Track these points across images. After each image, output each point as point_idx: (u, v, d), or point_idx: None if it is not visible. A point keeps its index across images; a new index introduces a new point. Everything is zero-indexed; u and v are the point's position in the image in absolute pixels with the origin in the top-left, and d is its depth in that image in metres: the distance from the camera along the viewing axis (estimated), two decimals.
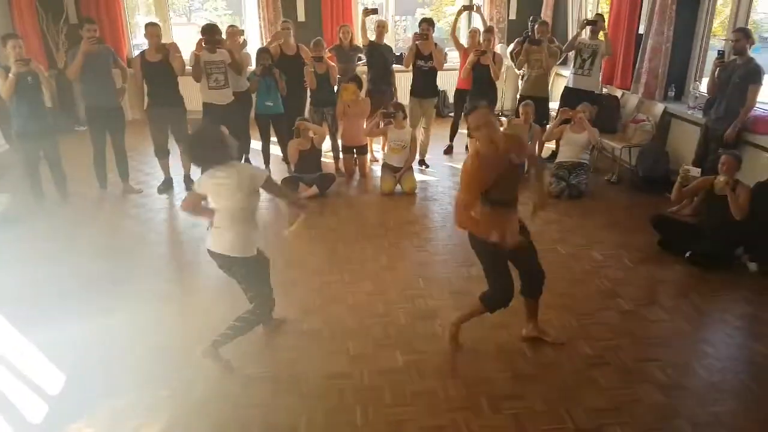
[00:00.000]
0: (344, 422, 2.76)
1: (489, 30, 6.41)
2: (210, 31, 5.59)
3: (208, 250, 3.05)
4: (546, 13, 8.51)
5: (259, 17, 8.47)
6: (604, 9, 8.08)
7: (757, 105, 4.78)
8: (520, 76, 7.29)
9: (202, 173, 3.03)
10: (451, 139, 7.10)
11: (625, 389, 2.98)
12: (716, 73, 4.92)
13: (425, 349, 3.30)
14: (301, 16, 8.55)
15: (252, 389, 2.99)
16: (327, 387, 2.99)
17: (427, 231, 5.02)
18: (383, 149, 7.02)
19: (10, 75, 4.71)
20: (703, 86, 5.92)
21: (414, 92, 6.50)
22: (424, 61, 6.31)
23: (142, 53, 5.40)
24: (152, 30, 5.35)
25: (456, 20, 6.84)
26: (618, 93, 6.66)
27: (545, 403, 2.87)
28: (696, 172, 4.58)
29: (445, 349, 3.30)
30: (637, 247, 4.56)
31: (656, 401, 2.89)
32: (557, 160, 5.91)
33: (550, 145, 6.63)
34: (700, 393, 2.96)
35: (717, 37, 6.16)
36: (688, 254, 4.29)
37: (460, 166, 6.38)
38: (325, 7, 8.53)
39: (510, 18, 8.94)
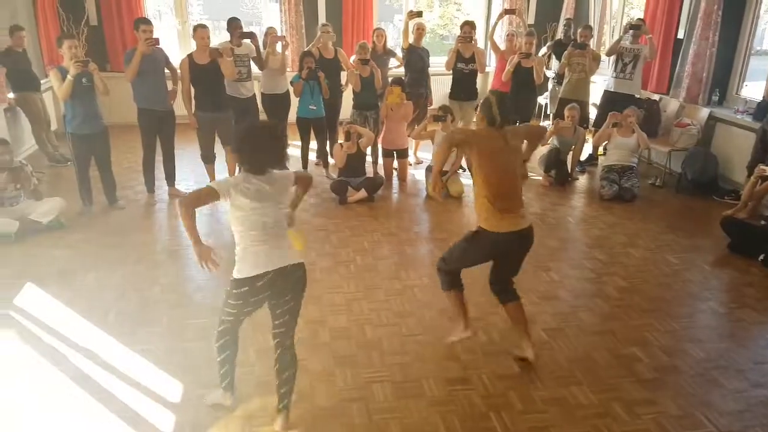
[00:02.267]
0: (483, 429, 2.70)
1: (530, 33, 6.43)
2: (237, 23, 5.71)
3: (275, 270, 2.48)
4: (566, 18, 8.58)
5: (281, 20, 8.38)
6: (633, 13, 8.22)
7: None
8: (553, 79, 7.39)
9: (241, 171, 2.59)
10: None
11: (750, 391, 2.99)
12: None
13: (536, 354, 3.26)
14: (322, 19, 8.47)
15: (375, 393, 2.92)
16: (451, 393, 2.93)
17: None
18: (415, 153, 7.01)
19: (69, 76, 4.55)
20: (749, 91, 6.05)
21: (453, 95, 6.49)
22: (465, 63, 6.30)
23: (190, 56, 5.27)
24: (202, 32, 5.23)
25: (495, 24, 6.87)
26: (654, 97, 6.74)
27: (678, 407, 2.85)
28: None
29: (556, 354, 3.27)
30: (707, 250, 4.62)
31: None
32: (606, 164, 5.94)
33: (587, 148, 6.70)
34: None
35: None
36: (762, 257, 4.35)
37: None
38: (346, 11, 8.48)
39: (528, 23, 9.00)
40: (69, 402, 2.83)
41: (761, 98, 5.55)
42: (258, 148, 2.47)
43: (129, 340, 3.31)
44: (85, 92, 4.72)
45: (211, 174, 5.69)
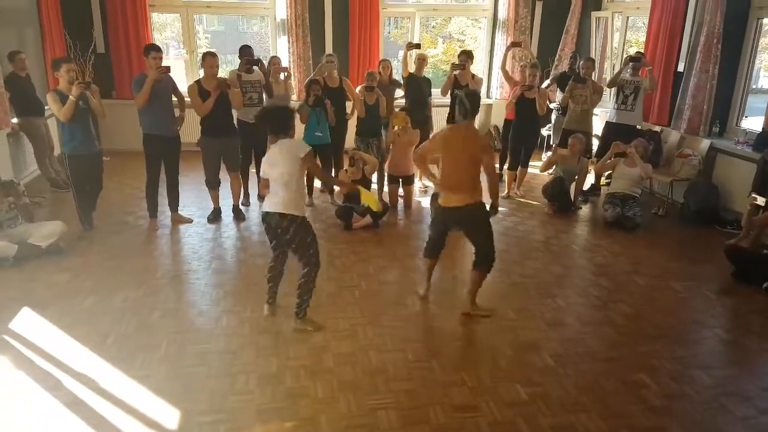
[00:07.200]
0: None
1: (534, 66, 6.54)
2: (248, 51, 5.96)
3: (264, 212, 3.51)
4: (564, 51, 8.74)
5: (289, 51, 8.52)
6: (628, 47, 8.37)
7: None
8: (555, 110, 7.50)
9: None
10: (500, 167, 7.16)
11: (759, 418, 2.93)
12: None
13: (542, 381, 3.21)
14: (328, 50, 8.61)
15: (380, 420, 2.85)
16: (459, 420, 2.87)
17: (498, 262, 4.96)
18: (421, 179, 7.04)
19: (71, 97, 4.61)
20: (748, 123, 6.12)
21: (451, 119, 6.55)
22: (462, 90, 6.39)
23: (198, 82, 5.33)
24: (211, 60, 5.29)
25: (505, 55, 7.04)
26: (656, 128, 6.80)
27: None
28: (761, 201, 4.65)
29: (564, 381, 3.21)
30: (711, 278, 4.59)
31: None
32: (609, 191, 5.97)
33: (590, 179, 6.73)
34: None
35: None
36: (766, 285, 4.32)
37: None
38: (353, 42, 8.64)
39: None
40: (63, 428, 2.75)
41: (761, 129, 5.61)
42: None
43: (127, 366, 3.24)
44: (82, 114, 4.81)
45: (215, 200, 5.69)
